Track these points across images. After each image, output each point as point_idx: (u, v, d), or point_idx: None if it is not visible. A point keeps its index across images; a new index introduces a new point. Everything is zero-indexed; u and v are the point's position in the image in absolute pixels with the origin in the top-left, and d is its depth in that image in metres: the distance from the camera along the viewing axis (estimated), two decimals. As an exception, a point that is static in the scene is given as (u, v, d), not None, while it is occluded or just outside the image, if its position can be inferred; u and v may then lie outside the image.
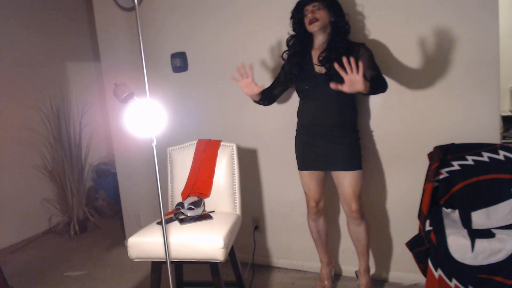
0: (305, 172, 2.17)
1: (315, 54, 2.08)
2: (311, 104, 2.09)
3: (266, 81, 2.36)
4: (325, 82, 2.00)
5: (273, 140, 2.57)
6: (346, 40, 2.05)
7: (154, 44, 2.81)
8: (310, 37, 2.10)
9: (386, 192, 2.33)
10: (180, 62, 2.74)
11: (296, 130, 2.21)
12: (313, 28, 2.01)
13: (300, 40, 2.12)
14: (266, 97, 2.20)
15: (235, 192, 2.24)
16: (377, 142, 2.30)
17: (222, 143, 2.30)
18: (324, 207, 2.26)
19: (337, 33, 2.04)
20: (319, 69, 2.05)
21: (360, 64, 1.75)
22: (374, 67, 2.02)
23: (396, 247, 2.37)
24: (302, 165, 2.18)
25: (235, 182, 2.24)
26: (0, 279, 2.29)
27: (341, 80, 1.96)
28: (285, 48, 2.20)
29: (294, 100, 2.22)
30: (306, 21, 2.02)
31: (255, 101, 2.19)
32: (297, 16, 2.07)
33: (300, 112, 2.17)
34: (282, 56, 2.21)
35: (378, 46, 2.20)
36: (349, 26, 2.07)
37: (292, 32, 2.16)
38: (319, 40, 2.07)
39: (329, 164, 2.09)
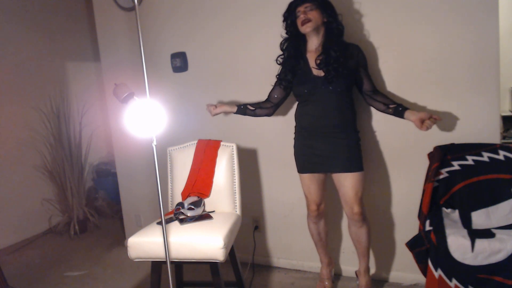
0: (306, 175, 2.16)
1: (311, 57, 2.08)
2: (310, 107, 2.08)
3: (265, 82, 2.36)
4: (324, 85, 2.01)
5: (273, 140, 2.57)
6: (341, 42, 2.05)
7: (154, 44, 2.81)
8: (303, 39, 2.09)
9: (386, 192, 2.33)
10: (180, 62, 2.74)
11: (295, 133, 2.20)
12: (305, 29, 2.00)
13: (293, 43, 2.10)
14: (260, 107, 2.29)
15: (235, 192, 2.24)
16: (378, 143, 2.30)
17: (222, 143, 2.30)
18: (325, 210, 2.25)
19: (331, 34, 2.03)
20: (317, 72, 2.04)
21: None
22: (370, 77, 2.08)
23: (396, 247, 2.37)
24: (303, 168, 2.16)
25: (235, 182, 2.24)
26: (0, 279, 2.29)
27: (340, 82, 1.98)
28: None
29: (294, 99, 2.22)
30: (299, 22, 2.01)
31: (252, 115, 2.32)
32: (290, 18, 2.06)
33: (299, 115, 2.16)
34: (276, 61, 2.20)
35: (378, 46, 2.20)
36: (342, 27, 2.06)
37: (285, 35, 2.15)
38: (313, 42, 2.07)
39: (330, 166, 2.08)
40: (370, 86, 2.07)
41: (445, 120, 2.13)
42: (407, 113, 1.98)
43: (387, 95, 2.10)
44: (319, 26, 2.02)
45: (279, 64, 2.19)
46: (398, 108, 2.01)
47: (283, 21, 2.11)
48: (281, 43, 2.16)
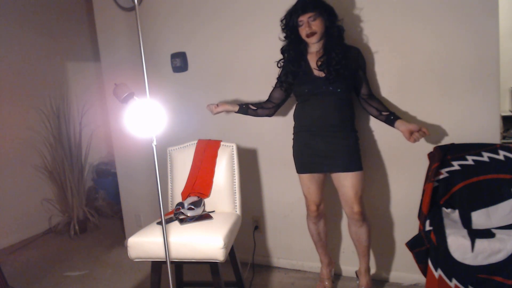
0: (305, 175, 2.16)
1: (311, 59, 2.08)
2: (310, 107, 2.08)
3: (265, 82, 2.36)
4: (325, 85, 2.01)
5: (273, 140, 2.57)
6: (342, 44, 2.05)
7: (154, 44, 2.81)
8: (303, 42, 2.09)
9: (386, 192, 2.33)
10: (180, 62, 2.74)
11: (294, 133, 2.20)
12: (311, 40, 2.02)
13: (294, 47, 2.10)
14: (262, 107, 2.30)
15: (235, 192, 2.24)
16: (377, 143, 2.30)
17: (222, 143, 2.30)
18: (324, 210, 2.25)
19: (332, 37, 2.04)
20: (318, 73, 2.05)
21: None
22: (368, 81, 2.09)
23: (396, 247, 2.37)
24: (302, 168, 2.16)
25: (235, 182, 2.24)
26: (0, 279, 2.29)
27: (341, 83, 1.99)
28: None
29: (294, 100, 2.22)
30: (302, 32, 2.02)
31: (254, 115, 2.33)
32: (290, 24, 2.05)
33: (298, 115, 2.16)
34: (277, 64, 2.20)
35: (378, 46, 2.20)
36: (343, 30, 2.07)
37: (283, 38, 2.15)
38: (315, 45, 2.07)
39: (330, 166, 2.08)
40: (366, 90, 2.09)
41: (445, 120, 2.13)
42: (397, 123, 2.00)
43: (381, 102, 2.11)
44: (323, 33, 2.02)
45: (279, 67, 2.20)
46: (390, 117, 2.03)
47: (282, 28, 2.10)
48: (281, 48, 2.16)
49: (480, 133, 2.04)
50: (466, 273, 1.62)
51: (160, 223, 2.01)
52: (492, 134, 2.04)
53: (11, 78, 3.59)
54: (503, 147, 1.91)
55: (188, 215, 2.05)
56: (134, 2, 1.66)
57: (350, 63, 2.03)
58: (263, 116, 2.33)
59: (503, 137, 3.70)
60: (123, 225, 3.35)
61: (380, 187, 2.33)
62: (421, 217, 1.89)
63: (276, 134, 2.53)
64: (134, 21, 1.93)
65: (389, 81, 2.21)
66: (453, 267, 1.63)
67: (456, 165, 1.94)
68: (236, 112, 2.34)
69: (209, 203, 2.23)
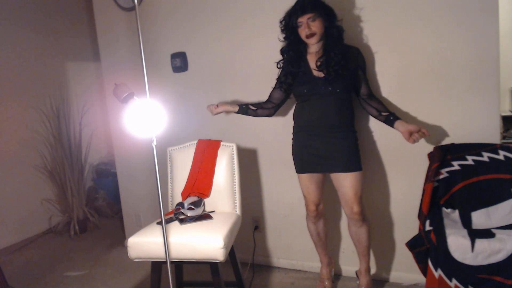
0: (305, 175, 2.16)
1: (311, 59, 2.08)
2: (309, 107, 2.08)
3: (265, 82, 2.36)
4: (324, 85, 2.02)
5: (273, 140, 2.57)
6: (342, 44, 2.05)
7: (154, 44, 2.81)
8: (303, 42, 2.08)
9: (386, 192, 2.33)
10: (180, 62, 2.74)
11: (293, 133, 2.20)
12: (311, 41, 2.02)
13: (293, 47, 2.10)
14: (262, 107, 2.31)
15: (235, 192, 2.24)
16: (377, 143, 2.30)
17: (222, 143, 2.30)
18: (324, 210, 2.25)
19: (331, 37, 2.03)
20: (317, 73, 2.05)
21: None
22: (367, 81, 2.09)
23: (396, 247, 2.37)
24: (301, 168, 2.16)
25: (235, 182, 2.24)
26: (0, 279, 2.29)
27: (340, 83, 1.99)
28: None
29: (294, 99, 2.23)
30: (302, 33, 2.01)
31: (253, 115, 2.34)
32: (289, 25, 2.04)
33: (298, 114, 2.16)
34: (277, 65, 2.20)
35: (378, 46, 2.20)
36: (342, 30, 2.06)
37: (282, 39, 2.15)
38: (314, 46, 2.07)
39: (329, 166, 2.08)
40: (366, 90, 2.09)
41: (445, 120, 2.13)
42: (397, 123, 1.99)
43: (382, 102, 2.10)
44: (322, 33, 2.02)
45: (279, 68, 2.20)
46: (389, 117, 2.03)
47: (282, 29, 2.10)
48: (281, 49, 2.16)
49: (480, 133, 2.04)
50: (466, 273, 1.62)
51: (160, 223, 2.01)
52: (492, 134, 2.04)
53: (11, 78, 3.59)
54: (503, 147, 1.91)
55: (188, 215, 2.05)
56: (134, 2, 1.66)
57: (350, 63, 2.02)
58: (263, 116, 2.33)
59: (503, 137, 3.70)
60: (123, 225, 3.35)
61: (380, 187, 2.33)
62: (421, 217, 1.89)
63: (276, 134, 2.53)
64: (134, 21, 1.93)
65: (389, 81, 2.21)
66: (453, 267, 1.63)
67: (456, 165, 1.94)
68: (236, 113, 2.35)
69: (209, 203, 2.23)
